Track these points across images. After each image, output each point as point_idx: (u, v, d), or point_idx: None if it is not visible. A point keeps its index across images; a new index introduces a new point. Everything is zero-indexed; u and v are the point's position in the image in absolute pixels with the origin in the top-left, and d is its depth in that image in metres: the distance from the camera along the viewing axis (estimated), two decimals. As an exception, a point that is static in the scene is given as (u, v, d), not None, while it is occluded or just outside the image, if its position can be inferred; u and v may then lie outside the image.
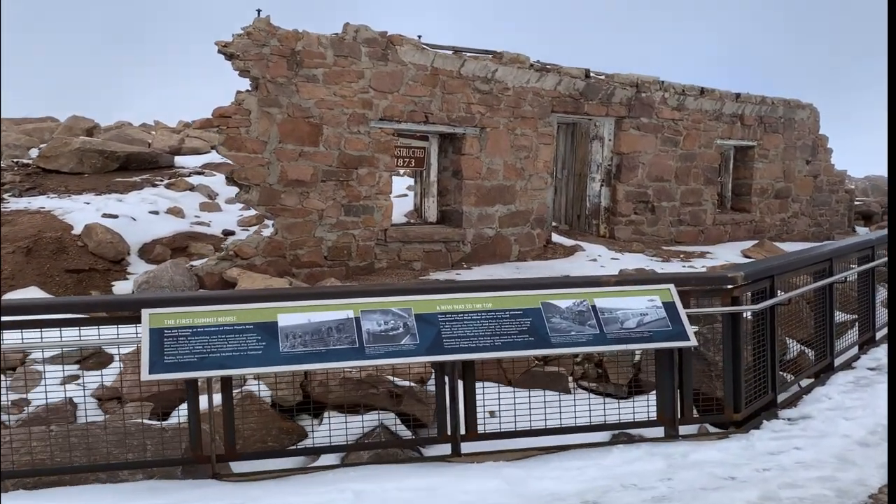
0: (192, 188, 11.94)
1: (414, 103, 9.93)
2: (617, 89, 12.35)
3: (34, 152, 13.43)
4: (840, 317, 7.65)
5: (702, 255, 12.59)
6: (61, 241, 8.75)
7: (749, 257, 12.33)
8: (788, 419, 5.71)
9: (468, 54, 10.40)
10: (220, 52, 8.47)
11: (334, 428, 5.19)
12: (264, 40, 8.57)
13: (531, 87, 11.23)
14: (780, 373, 6.60)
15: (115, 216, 9.92)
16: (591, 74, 12.02)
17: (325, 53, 9.05)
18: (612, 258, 11.54)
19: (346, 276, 9.58)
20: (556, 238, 12.48)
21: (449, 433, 5.04)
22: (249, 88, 8.71)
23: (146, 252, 9.36)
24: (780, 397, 6.16)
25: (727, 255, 12.72)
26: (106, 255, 8.76)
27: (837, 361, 7.16)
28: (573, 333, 4.90)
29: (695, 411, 5.58)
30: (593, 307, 5.03)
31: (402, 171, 12.27)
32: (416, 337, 4.72)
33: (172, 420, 5.36)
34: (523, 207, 11.44)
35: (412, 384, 5.89)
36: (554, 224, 13.62)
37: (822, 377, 6.86)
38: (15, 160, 12.52)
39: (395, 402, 5.89)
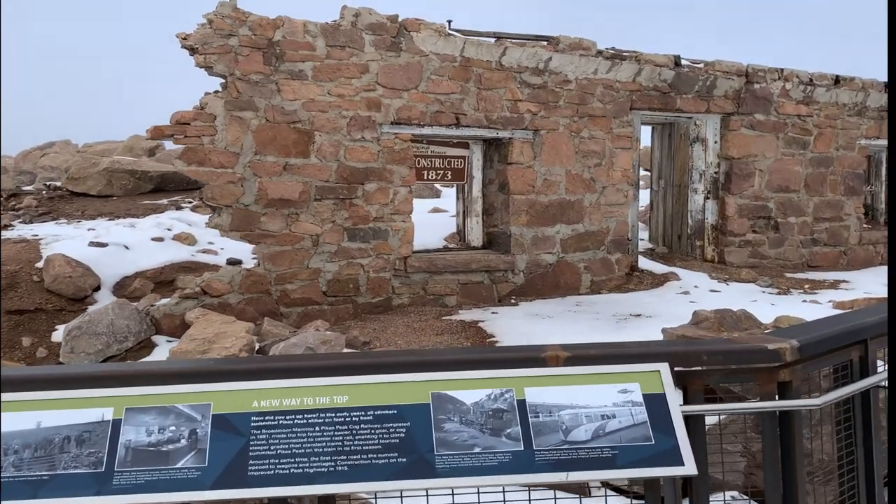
0: (219, 210, 10.57)
1: (439, 102, 8.06)
2: (719, 79, 9.95)
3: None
4: None
5: (834, 284, 9.90)
6: (16, 276, 7.50)
7: (899, 287, 9.54)
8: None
9: (510, 41, 8.42)
10: (183, 46, 6.97)
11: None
12: (230, 29, 6.98)
13: (600, 79, 9.08)
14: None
15: (104, 245, 8.63)
16: (683, 62, 9.70)
17: (315, 43, 7.35)
18: (711, 290, 9.15)
19: (353, 315, 7.82)
20: (645, 264, 10.21)
21: None
22: (220, 89, 7.15)
23: (123, 287, 7.97)
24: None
25: (870, 284, 9.97)
26: (63, 292, 7.42)
27: None
28: (478, 452, 2.88)
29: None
30: (521, 403, 2.99)
31: (438, 185, 10.41)
32: (206, 455, 2.85)
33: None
34: (595, 227, 9.28)
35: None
36: (650, 246, 11.32)
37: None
38: (47, 183, 11.67)
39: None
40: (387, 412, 3.00)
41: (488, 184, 9.09)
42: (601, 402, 3.03)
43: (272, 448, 2.90)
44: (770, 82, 10.47)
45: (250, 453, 2.89)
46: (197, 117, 6.87)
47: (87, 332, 6.46)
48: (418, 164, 8.55)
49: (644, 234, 12.00)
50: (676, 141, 10.86)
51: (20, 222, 10.02)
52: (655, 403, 3.01)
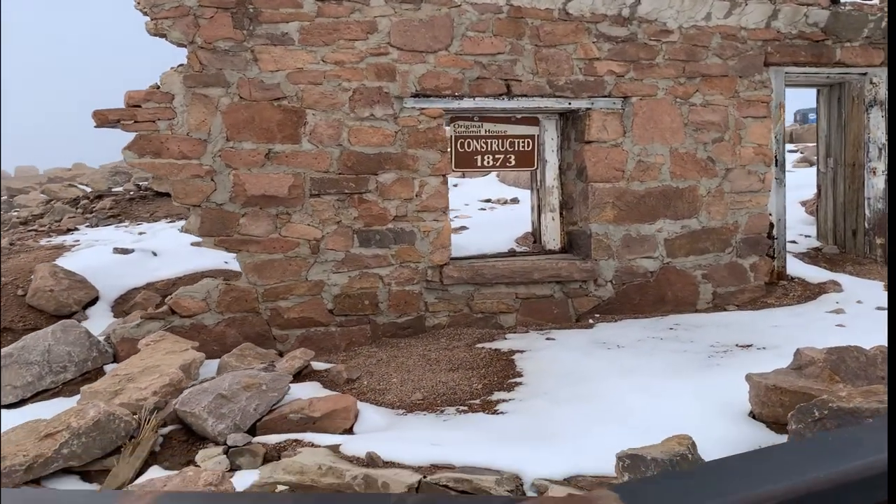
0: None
1: (481, 66, 6.28)
2: (902, 18, 7.29)
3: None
4: None
5: None
6: (2, 290, 6.67)
7: None
8: None
9: (580, -20, 6.44)
10: (142, 12, 5.74)
11: None
12: (187, -14, 5.65)
13: (716, 27, 6.84)
14: None
15: (129, 251, 7.71)
16: (844, -3, 7.18)
17: (301, -1, 5.86)
18: (878, 307, 6.63)
19: (372, 339, 6.25)
20: (798, 269, 7.76)
21: None
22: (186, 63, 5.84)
23: (125, 301, 6.94)
24: None
25: None
26: (44, 308, 6.49)
27: None
28: None
29: None
30: None
31: (495, 173, 8.54)
32: None
33: None
34: (717, 223, 7.05)
35: None
36: (816, 245, 8.76)
37: None
38: (138, 184, 11.14)
39: None
40: None
41: (566, 169, 7.15)
42: None
43: None
44: (983, 19, 7.60)
45: None
46: (149, 97, 5.60)
47: (17, 361, 5.40)
48: (467, 146, 6.82)
49: (811, 229, 9.40)
50: (847, 106, 8.23)
51: (87, 226, 9.43)
52: None
